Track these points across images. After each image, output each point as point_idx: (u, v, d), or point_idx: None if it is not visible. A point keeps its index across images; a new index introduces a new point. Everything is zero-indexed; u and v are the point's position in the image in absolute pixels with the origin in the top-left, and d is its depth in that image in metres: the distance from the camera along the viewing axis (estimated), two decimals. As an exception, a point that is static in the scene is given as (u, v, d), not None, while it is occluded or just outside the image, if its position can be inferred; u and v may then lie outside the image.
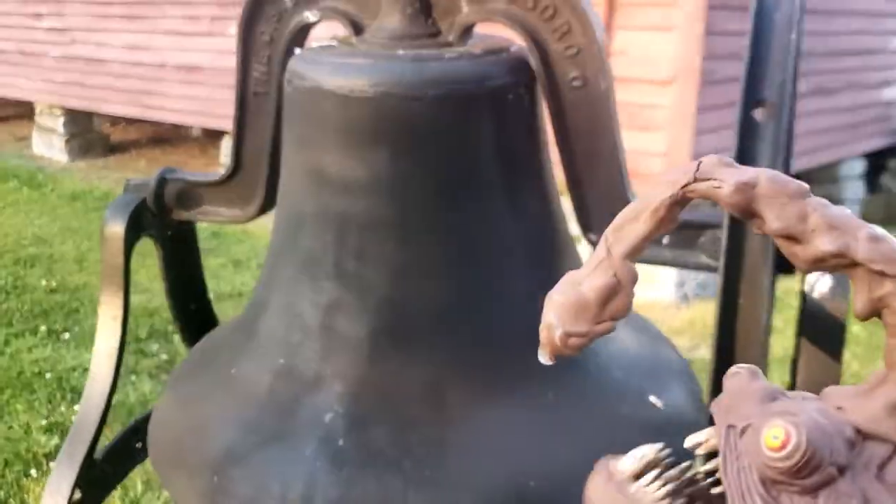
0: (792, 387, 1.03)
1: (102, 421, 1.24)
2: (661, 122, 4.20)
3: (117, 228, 1.21)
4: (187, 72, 7.11)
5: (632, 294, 0.65)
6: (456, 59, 0.96)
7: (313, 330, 1.00)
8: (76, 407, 2.91)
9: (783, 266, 0.90)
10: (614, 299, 0.64)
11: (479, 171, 0.98)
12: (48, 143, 8.95)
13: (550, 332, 0.67)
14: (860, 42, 5.49)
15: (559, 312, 0.67)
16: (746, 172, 0.60)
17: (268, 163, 1.17)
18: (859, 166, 5.92)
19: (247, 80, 1.15)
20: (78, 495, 1.22)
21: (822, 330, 0.92)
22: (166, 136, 9.42)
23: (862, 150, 5.89)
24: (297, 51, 1.08)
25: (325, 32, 1.12)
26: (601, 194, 1.03)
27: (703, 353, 3.65)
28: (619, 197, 1.02)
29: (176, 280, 1.37)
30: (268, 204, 1.20)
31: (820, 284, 0.91)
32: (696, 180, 0.62)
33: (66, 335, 3.99)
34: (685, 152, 4.16)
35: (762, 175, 0.60)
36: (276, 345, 1.03)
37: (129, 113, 7.97)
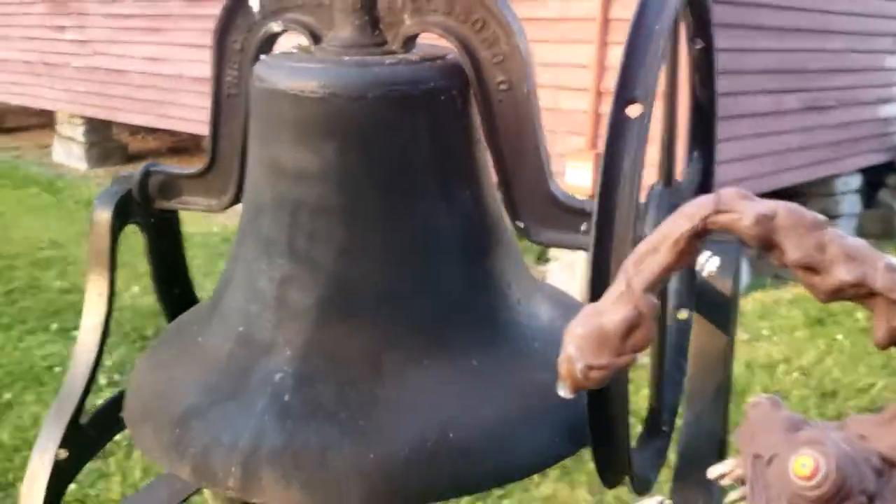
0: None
1: (87, 388, 1.37)
2: (652, 135, 4.30)
3: (104, 215, 1.36)
4: (203, 83, 7.30)
5: (653, 327, 0.65)
6: (395, 64, 1.10)
7: (269, 301, 1.13)
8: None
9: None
10: (635, 332, 0.63)
11: (415, 164, 1.11)
12: (68, 152, 9.19)
13: (571, 364, 0.65)
14: (855, 60, 5.60)
15: (580, 345, 0.65)
16: (764, 204, 0.61)
17: (239, 157, 1.31)
18: (856, 182, 6.01)
19: (221, 84, 1.29)
20: (64, 454, 1.35)
21: (711, 304, 1.04)
22: (183, 145, 9.65)
23: (858, 166, 5.98)
24: (263, 57, 1.22)
25: (291, 41, 1.26)
26: (527, 187, 1.15)
27: (689, 359, 3.76)
28: (543, 189, 1.14)
29: (160, 265, 1.50)
30: (239, 194, 1.33)
31: (709, 264, 1.03)
32: (716, 212, 0.62)
33: (76, 333, 4.14)
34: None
35: (780, 207, 0.61)
36: (237, 315, 1.16)
37: (147, 122, 8.18)
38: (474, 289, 1.16)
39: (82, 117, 8.74)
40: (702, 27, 1.22)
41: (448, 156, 1.13)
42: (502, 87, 1.12)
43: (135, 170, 1.42)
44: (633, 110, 0.87)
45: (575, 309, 1.30)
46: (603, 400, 0.91)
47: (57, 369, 3.68)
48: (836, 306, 4.43)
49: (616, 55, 4.38)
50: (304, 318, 1.11)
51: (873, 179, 6.45)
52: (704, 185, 1.39)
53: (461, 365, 1.09)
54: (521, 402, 1.08)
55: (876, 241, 6.15)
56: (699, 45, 1.24)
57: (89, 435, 1.41)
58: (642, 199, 0.99)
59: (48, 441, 1.35)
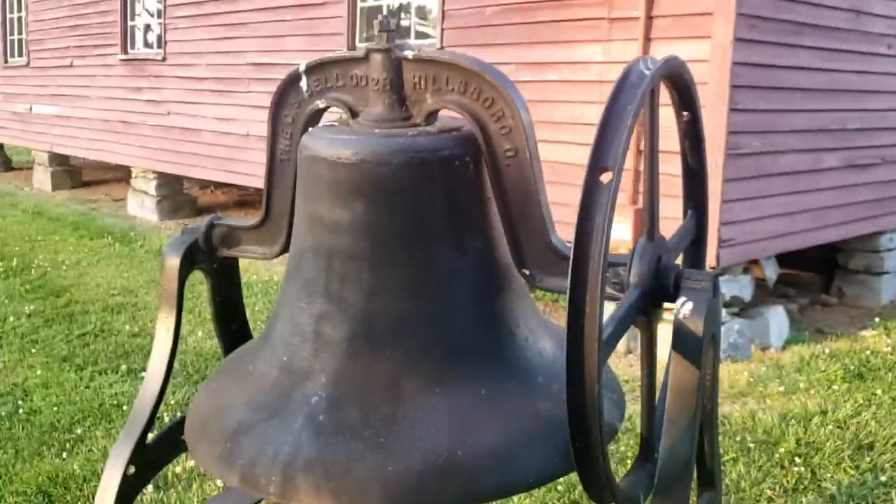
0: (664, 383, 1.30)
1: (154, 412, 1.58)
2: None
3: (174, 261, 1.58)
4: (268, 141, 7.67)
5: None
6: (416, 135, 1.30)
7: (307, 335, 1.33)
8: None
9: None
10: None
11: (433, 219, 1.30)
12: (141, 204, 9.69)
13: None
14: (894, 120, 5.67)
15: None
16: None
17: (289, 213, 1.52)
18: (903, 239, 6.01)
19: (275, 151, 1.51)
20: (132, 470, 1.56)
21: (685, 343, 1.19)
22: (249, 198, 10.08)
23: (906, 224, 5.99)
24: (310, 129, 1.44)
25: (335, 116, 1.48)
26: (531, 239, 1.33)
27: (727, 409, 3.82)
28: (545, 241, 1.32)
29: (220, 305, 1.72)
30: (288, 244, 1.54)
31: (683, 308, 1.19)
32: None
33: (144, 374, 4.41)
34: (713, 221, 4.40)
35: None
36: (282, 346, 1.36)
37: (216, 178, 8.61)
38: (484, 327, 1.33)
39: (155, 172, 9.24)
40: (686, 101, 1.39)
41: (462, 212, 1.32)
42: (509, 154, 1.31)
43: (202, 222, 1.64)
44: (605, 177, 1.05)
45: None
46: (580, 416, 1.07)
47: (125, 407, 3.92)
48: (876, 360, 4.45)
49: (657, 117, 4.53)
50: (336, 349, 1.30)
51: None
52: (698, 238, 1.55)
53: (470, 393, 1.27)
54: (522, 428, 1.25)
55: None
56: (686, 117, 1.42)
57: (153, 454, 1.62)
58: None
59: (118, 458, 1.56)
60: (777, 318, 5.07)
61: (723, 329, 4.68)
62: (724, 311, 4.66)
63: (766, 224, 4.81)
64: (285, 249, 1.57)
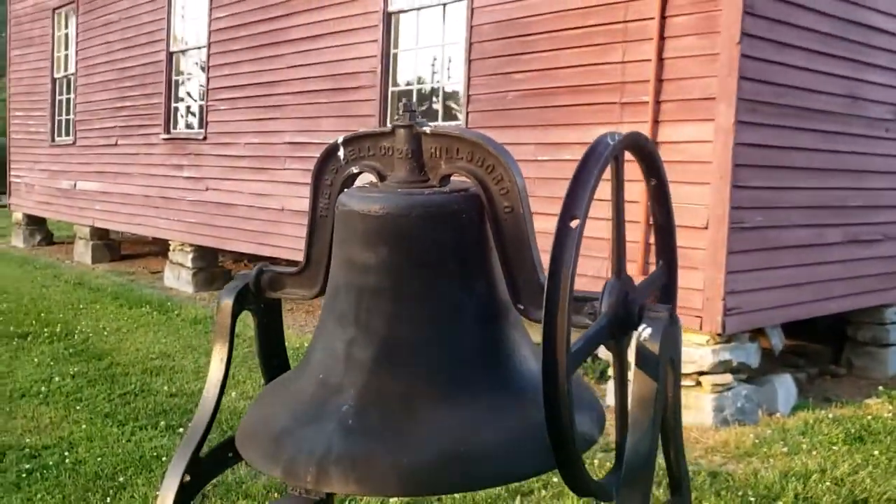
0: (624, 397, 1.57)
1: (208, 428, 1.86)
2: (699, 262, 4.75)
3: (228, 301, 1.88)
4: (302, 216, 8.12)
5: None
6: (431, 194, 1.61)
7: (340, 357, 1.62)
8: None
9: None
10: None
11: (443, 261, 1.60)
12: (177, 276, 10.11)
13: None
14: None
15: None
16: None
17: (326, 261, 1.83)
18: (908, 311, 6.21)
19: (315, 209, 1.83)
20: (187, 479, 1.83)
21: (645, 361, 1.46)
22: (279, 272, 10.47)
23: (911, 297, 6.20)
24: (346, 190, 1.76)
25: (367, 179, 1.80)
26: (524, 279, 1.62)
27: (731, 467, 4.00)
28: (535, 280, 1.61)
29: (265, 341, 2.02)
30: (325, 286, 1.85)
31: (644, 332, 1.47)
32: None
33: (182, 430, 4.70)
34: (718, 290, 4.67)
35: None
36: (319, 366, 1.65)
37: (250, 250, 9.02)
38: (486, 351, 1.62)
39: (192, 245, 9.69)
40: (651, 168, 1.69)
41: (467, 256, 1.62)
42: (507, 210, 1.62)
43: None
44: (574, 223, 1.35)
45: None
46: (556, 414, 1.34)
47: (164, 458, 4.20)
48: (877, 425, 4.61)
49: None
50: (363, 368, 1.58)
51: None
52: (669, 284, 1.84)
53: (473, 403, 1.54)
54: (515, 430, 1.51)
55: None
56: (653, 182, 1.72)
57: (206, 467, 1.90)
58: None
59: (176, 467, 1.84)
60: (785, 386, 5.25)
61: (730, 394, 4.88)
62: (731, 377, 4.87)
63: (771, 294, 5.05)
64: (322, 291, 1.87)
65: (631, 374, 1.56)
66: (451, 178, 1.72)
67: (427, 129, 1.66)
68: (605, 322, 1.49)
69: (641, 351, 1.48)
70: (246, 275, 1.96)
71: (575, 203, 1.37)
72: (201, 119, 9.61)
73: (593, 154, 1.43)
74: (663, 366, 1.48)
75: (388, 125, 1.72)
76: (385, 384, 1.57)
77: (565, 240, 1.35)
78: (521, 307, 1.64)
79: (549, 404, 1.34)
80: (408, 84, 6.99)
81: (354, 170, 1.78)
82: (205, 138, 9.50)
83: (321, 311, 1.76)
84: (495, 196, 1.63)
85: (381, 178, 1.74)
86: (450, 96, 6.66)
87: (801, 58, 5.15)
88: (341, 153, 1.78)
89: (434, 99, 6.81)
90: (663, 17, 4.98)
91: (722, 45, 4.73)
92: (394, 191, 1.65)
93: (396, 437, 1.50)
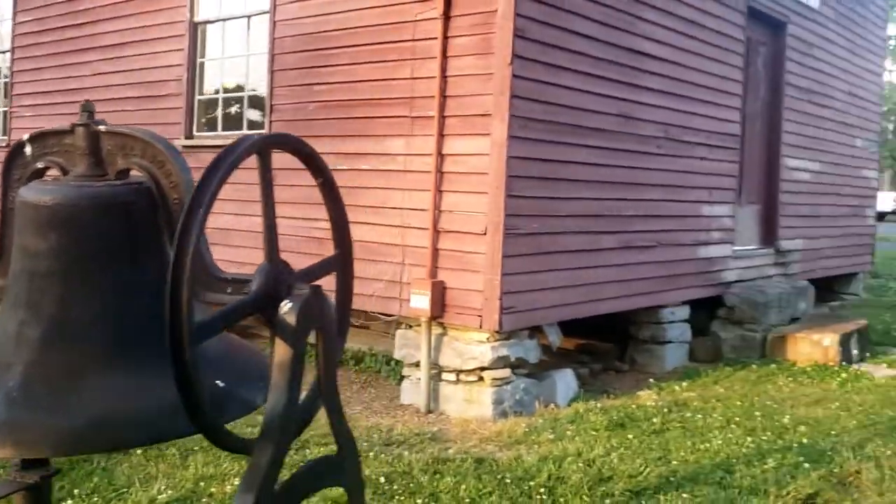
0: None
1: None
2: (479, 266, 5.09)
3: None
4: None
5: None
6: (101, 186, 1.76)
7: (11, 337, 1.73)
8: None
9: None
10: None
11: (112, 247, 1.75)
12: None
13: None
14: (672, 208, 6.56)
15: None
16: None
17: (19, 249, 1.94)
18: (683, 312, 6.84)
19: (6, 203, 1.94)
20: None
21: (284, 331, 1.67)
22: None
23: (684, 298, 6.83)
24: (29, 184, 1.88)
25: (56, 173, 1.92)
26: (195, 264, 1.80)
27: (500, 454, 4.33)
28: (204, 266, 1.79)
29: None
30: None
31: (284, 307, 1.68)
32: None
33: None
34: (496, 291, 5.02)
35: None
36: (-5, 346, 1.76)
37: None
38: (156, 326, 1.77)
39: None
40: (316, 169, 1.91)
41: (138, 243, 1.78)
42: (176, 201, 1.79)
43: None
44: (200, 212, 1.53)
45: (245, 350, 1.93)
46: (184, 381, 1.52)
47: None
48: (639, 413, 5.08)
49: (450, 201, 5.26)
50: (31, 345, 1.70)
51: (710, 311, 7.33)
52: (344, 272, 2.06)
53: (136, 373, 1.70)
54: (167, 397, 1.68)
55: (704, 364, 6.92)
56: (320, 180, 1.94)
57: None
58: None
59: None
60: (564, 380, 5.68)
61: (509, 388, 5.23)
62: (510, 372, 5.23)
63: (547, 295, 5.46)
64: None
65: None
66: (132, 173, 1.88)
67: (103, 128, 1.82)
68: (250, 299, 1.69)
69: (280, 322, 1.69)
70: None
71: (204, 192, 1.56)
72: (4, 125, 9.23)
73: (228, 150, 1.63)
74: (301, 335, 1.70)
75: (69, 124, 1.85)
76: (52, 359, 1.70)
77: (190, 225, 1.53)
78: (195, 290, 1.82)
79: (178, 374, 1.52)
80: (215, 92, 7.03)
81: (40, 165, 1.90)
82: (8, 146, 9.12)
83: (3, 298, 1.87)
84: (166, 189, 1.80)
85: (65, 172, 1.87)
86: (255, 105, 6.77)
87: (576, 79, 5.61)
88: (28, 150, 1.90)
89: (239, 107, 6.89)
90: (446, 38, 5.31)
91: (496, 65, 5.10)
92: (68, 184, 1.79)
93: (56, 405, 1.64)
